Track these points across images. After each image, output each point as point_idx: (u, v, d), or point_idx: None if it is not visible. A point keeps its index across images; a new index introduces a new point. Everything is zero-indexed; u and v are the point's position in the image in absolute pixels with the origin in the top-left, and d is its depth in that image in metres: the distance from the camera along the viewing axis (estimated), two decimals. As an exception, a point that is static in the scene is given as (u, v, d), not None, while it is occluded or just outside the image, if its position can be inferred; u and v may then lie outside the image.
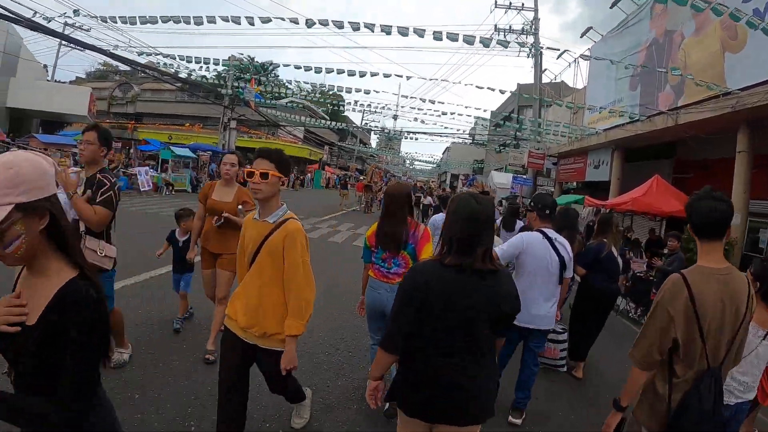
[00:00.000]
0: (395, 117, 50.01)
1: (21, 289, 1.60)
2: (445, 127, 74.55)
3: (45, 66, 35.04)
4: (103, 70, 62.05)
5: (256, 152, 3.11)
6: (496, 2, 25.92)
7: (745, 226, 11.29)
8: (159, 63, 21.73)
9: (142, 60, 20.52)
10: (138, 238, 10.26)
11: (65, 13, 15.01)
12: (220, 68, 20.99)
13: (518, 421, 4.57)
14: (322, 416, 4.24)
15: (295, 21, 11.65)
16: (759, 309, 3.21)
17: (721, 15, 9.21)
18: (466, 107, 21.28)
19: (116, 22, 13.06)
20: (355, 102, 21.99)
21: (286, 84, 29.42)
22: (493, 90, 15.77)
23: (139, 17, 12.36)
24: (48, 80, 31.30)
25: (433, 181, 66.95)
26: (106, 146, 4.13)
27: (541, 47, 13.62)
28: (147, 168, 25.22)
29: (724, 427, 2.59)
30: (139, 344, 5.12)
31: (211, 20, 11.83)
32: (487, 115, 40.63)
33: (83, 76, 61.23)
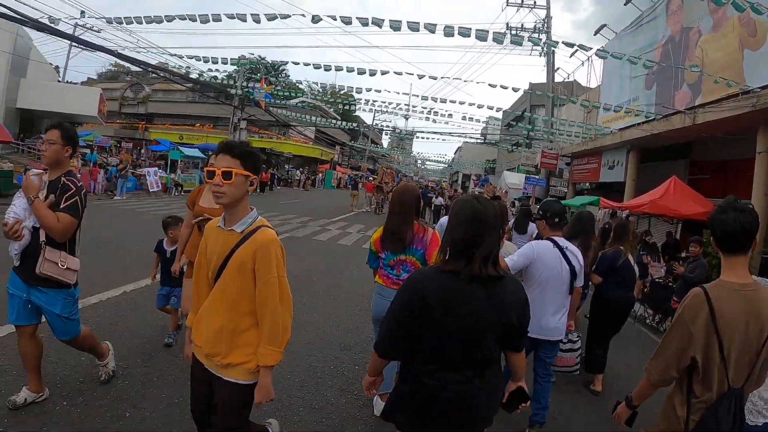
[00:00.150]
0: (407, 117, 49.99)
1: None
2: (459, 126, 74.46)
3: (56, 67, 35.17)
4: (114, 71, 62.43)
5: (217, 147, 2.61)
6: (507, 0, 25.59)
7: (765, 230, 10.95)
8: (168, 63, 21.68)
9: (151, 60, 20.45)
10: (143, 242, 10.04)
11: (71, 15, 14.85)
12: (229, 67, 20.90)
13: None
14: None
15: (301, 16, 11.42)
16: None
17: (743, 10, 8.89)
18: (478, 106, 21.20)
19: (122, 23, 12.94)
20: (366, 101, 21.82)
21: (297, 84, 29.41)
22: (505, 88, 15.54)
23: (144, 17, 12.28)
24: (59, 81, 31.38)
25: (444, 182, 66.82)
26: (71, 146, 3.74)
27: (556, 42, 13.21)
28: (156, 168, 25.28)
29: None
30: (132, 357, 4.92)
31: (217, 18, 11.70)
32: (499, 115, 40.47)
33: (95, 77, 61.71)
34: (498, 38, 11.53)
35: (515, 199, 24.32)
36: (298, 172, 50.16)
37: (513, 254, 4.54)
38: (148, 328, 5.85)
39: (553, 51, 23.73)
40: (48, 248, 3.55)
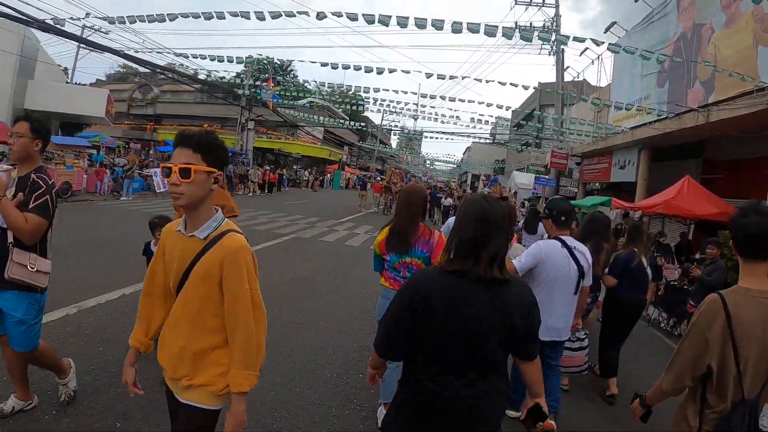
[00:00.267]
0: (415, 117, 49.91)
1: None
2: (467, 126, 74.35)
3: (65, 69, 35.28)
4: (122, 73, 62.68)
5: (175, 138, 2.25)
6: (516, -1, 25.42)
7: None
8: (174, 63, 21.65)
9: (156, 59, 20.42)
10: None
11: (76, 16, 14.83)
12: (237, 67, 20.89)
13: (553, 422, 4.27)
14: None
15: (305, 14, 11.31)
16: None
17: (759, 2, 8.68)
18: (487, 105, 21.13)
19: (124, 22, 12.83)
20: (374, 101, 21.71)
21: (305, 84, 29.34)
22: (515, 86, 15.39)
23: (147, 15, 12.18)
24: (68, 82, 31.46)
25: (453, 182, 66.79)
26: (41, 139, 3.42)
27: (566, 36, 13.00)
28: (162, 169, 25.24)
29: None
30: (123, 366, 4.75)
31: (221, 16, 11.59)
32: (509, 114, 40.36)
33: (103, 79, 62.01)
34: (507, 33, 11.37)
35: (525, 199, 24.17)
36: (306, 172, 50.14)
37: (520, 255, 4.44)
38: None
39: (563, 50, 23.54)
40: (16, 250, 3.31)
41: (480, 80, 16.10)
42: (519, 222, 11.11)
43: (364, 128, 50.05)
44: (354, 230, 18.10)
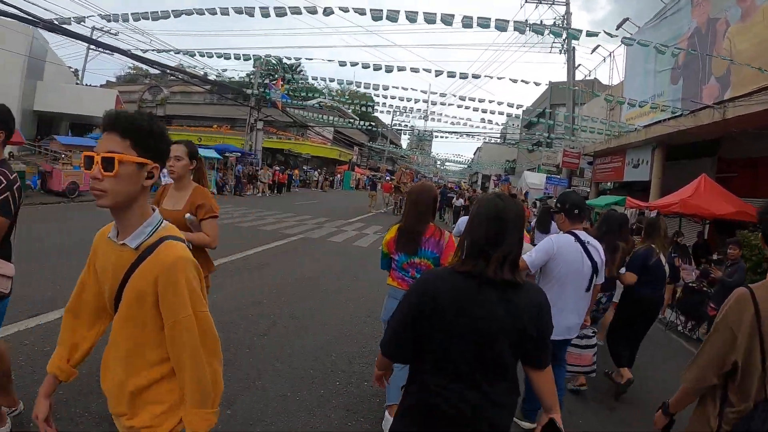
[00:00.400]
0: (425, 118, 49.82)
1: None
2: (478, 126, 74.27)
3: (76, 71, 35.46)
4: (132, 74, 63.04)
5: (102, 121, 1.73)
6: (526, -3, 25.21)
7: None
8: (182, 63, 21.63)
9: (162, 58, 20.39)
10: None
11: (80, 15, 14.78)
12: (245, 65, 20.89)
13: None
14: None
15: (312, 11, 11.13)
16: None
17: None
18: (498, 103, 20.81)
19: (128, 20, 12.77)
20: (384, 97, 21.58)
21: (315, 84, 29.36)
22: (527, 82, 15.21)
23: (151, 13, 12.11)
24: (77, 84, 31.61)
25: (464, 182, 66.78)
26: (3, 130, 2.93)
27: (579, 30, 12.80)
28: (171, 169, 25.31)
29: None
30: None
31: (225, 12, 11.44)
32: (519, 113, 40.23)
33: (113, 80, 62.40)
34: (519, 28, 11.17)
35: (537, 199, 23.95)
36: (316, 173, 50.13)
37: (531, 251, 4.28)
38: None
39: (574, 48, 23.35)
40: None
41: (491, 77, 15.98)
42: (531, 222, 10.92)
43: (374, 128, 50.04)
44: (363, 230, 17.96)
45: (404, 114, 48.95)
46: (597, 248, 4.23)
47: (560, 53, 24.05)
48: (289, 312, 6.90)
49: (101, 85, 48.00)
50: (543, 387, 2.20)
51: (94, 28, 25.58)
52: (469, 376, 2.04)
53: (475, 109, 20.97)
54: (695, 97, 14.07)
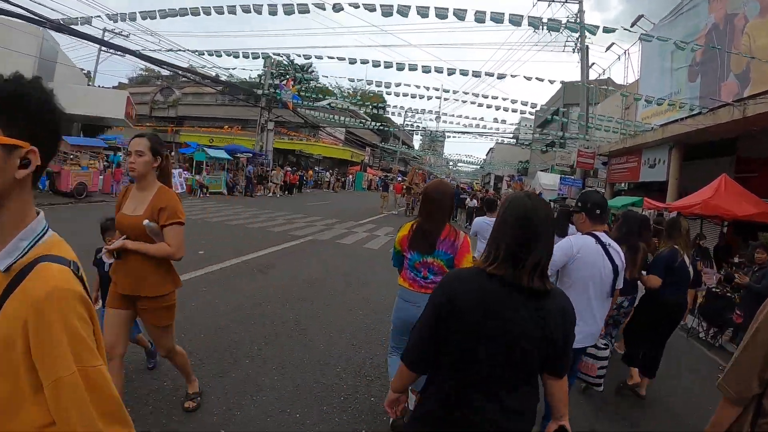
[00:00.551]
0: (438, 119, 49.70)
1: None
2: (491, 127, 74.13)
3: (88, 72, 35.57)
4: (144, 75, 63.42)
5: None
6: (539, -5, 25.02)
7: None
8: (191, 64, 21.62)
9: (172, 58, 20.38)
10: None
11: (88, 14, 14.74)
12: (255, 63, 20.85)
13: None
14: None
15: (321, 6, 10.94)
16: None
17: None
18: (512, 101, 20.52)
19: (135, 19, 12.69)
20: (396, 95, 21.35)
21: (327, 84, 29.47)
22: (541, 80, 15.00)
23: (159, 11, 12.02)
24: (89, 85, 31.68)
25: (476, 183, 66.68)
26: None
27: (595, 26, 12.54)
28: (180, 170, 25.35)
29: None
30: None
31: (232, 10, 11.32)
32: (532, 115, 40.10)
33: (126, 82, 62.83)
34: (534, 23, 10.95)
35: (550, 200, 23.67)
36: (327, 173, 50.09)
37: None
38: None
39: (588, 46, 23.09)
40: None
41: (504, 75, 15.79)
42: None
43: (386, 128, 49.91)
44: (374, 232, 17.71)
45: (416, 114, 48.98)
46: (618, 251, 4.01)
47: (573, 52, 23.87)
48: (294, 318, 6.61)
49: (113, 87, 48.25)
50: (558, 395, 2.16)
51: (105, 30, 25.59)
52: (488, 381, 1.97)
53: (489, 107, 20.92)
54: (714, 95, 13.78)
